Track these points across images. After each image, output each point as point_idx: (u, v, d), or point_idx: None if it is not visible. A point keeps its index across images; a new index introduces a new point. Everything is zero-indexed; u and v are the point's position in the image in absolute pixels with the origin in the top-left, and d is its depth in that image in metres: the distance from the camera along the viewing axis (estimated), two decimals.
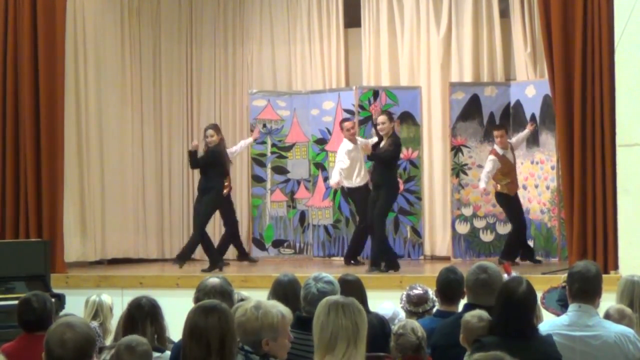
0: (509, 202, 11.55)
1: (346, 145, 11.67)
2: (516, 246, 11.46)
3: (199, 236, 11.52)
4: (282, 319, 4.51)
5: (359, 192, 11.66)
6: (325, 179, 12.82)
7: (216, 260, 11.38)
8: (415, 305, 6.33)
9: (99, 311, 7.61)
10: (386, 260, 10.84)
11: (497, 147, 11.56)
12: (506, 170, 11.49)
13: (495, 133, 11.65)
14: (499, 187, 11.49)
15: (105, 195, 12.75)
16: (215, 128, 11.63)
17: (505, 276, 6.11)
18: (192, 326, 4.08)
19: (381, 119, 11.12)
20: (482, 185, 11.59)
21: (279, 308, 4.56)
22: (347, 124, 11.73)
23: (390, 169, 11.09)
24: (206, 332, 4.04)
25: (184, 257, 11.66)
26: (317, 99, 13.13)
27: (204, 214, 11.53)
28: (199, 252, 13.54)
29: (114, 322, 7.62)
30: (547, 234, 11.98)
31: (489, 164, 11.48)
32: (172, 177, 13.64)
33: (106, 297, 7.75)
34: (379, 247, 10.95)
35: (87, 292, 8.61)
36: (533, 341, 4.74)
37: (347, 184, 11.74)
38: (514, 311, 4.75)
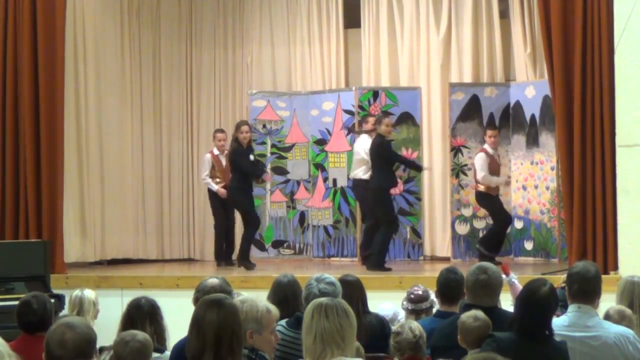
0: (491, 201, 11.51)
1: (366, 140, 11.59)
2: (495, 240, 11.46)
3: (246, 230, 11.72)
4: (267, 313, 4.55)
5: (362, 186, 11.65)
6: (325, 179, 12.82)
7: (244, 260, 11.42)
8: (414, 303, 6.33)
9: (77, 305, 7.48)
10: (376, 259, 10.87)
11: (487, 147, 11.59)
12: (492, 169, 11.49)
13: (489, 133, 11.65)
14: (480, 186, 11.49)
15: (105, 195, 12.74)
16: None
17: (504, 277, 6.13)
18: (194, 318, 4.10)
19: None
20: (479, 175, 11.54)
21: (266, 304, 4.63)
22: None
23: (375, 167, 11.11)
24: (203, 326, 4.03)
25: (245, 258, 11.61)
26: (316, 100, 13.12)
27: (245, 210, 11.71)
28: (199, 252, 13.60)
29: (101, 318, 7.58)
30: (547, 234, 11.98)
31: (481, 161, 11.44)
32: (172, 178, 13.62)
33: (89, 292, 7.63)
34: (381, 246, 11.01)
35: None
36: (546, 345, 4.75)
37: (354, 175, 11.82)
38: (531, 309, 4.77)
